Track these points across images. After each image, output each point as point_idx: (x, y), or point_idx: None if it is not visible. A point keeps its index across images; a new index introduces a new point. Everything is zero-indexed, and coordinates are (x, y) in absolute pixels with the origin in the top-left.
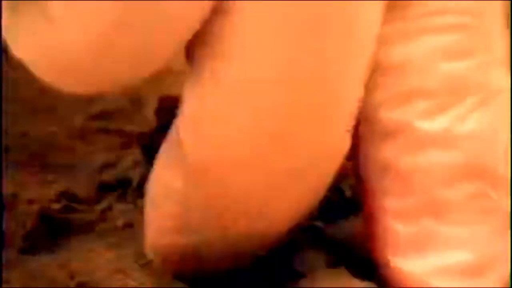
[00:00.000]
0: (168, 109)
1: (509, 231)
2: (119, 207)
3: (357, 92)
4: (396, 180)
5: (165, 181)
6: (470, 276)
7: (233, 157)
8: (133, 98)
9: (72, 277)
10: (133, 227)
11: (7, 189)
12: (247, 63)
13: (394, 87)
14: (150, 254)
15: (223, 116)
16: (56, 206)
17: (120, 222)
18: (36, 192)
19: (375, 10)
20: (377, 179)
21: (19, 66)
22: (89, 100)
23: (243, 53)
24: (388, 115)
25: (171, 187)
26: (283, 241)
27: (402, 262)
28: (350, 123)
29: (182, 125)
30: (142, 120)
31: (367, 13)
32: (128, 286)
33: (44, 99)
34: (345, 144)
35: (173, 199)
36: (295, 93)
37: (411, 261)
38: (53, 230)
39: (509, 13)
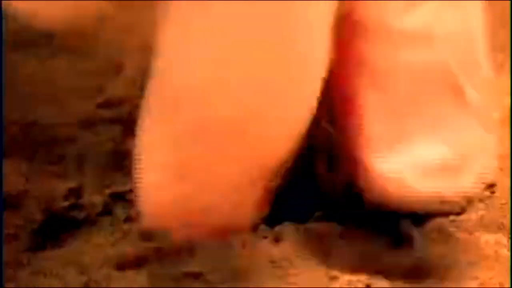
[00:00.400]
0: None
1: (507, 226)
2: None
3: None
4: (372, 77)
5: (154, 131)
6: (449, 173)
7: (215, 79)
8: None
9: (81, 273)
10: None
11: (15, 184)
12: None
13: None
14: (147, 220)
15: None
16: (64, 203)
17: (123, 217)
18: (44, 188)
19: None
20: (353, 76)
21: (23, 55)
22: (97, 88)
23: None
24: (365, 13)
25: (162, 135)
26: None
27: (379, 161)
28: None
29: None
30: None
31: None
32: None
33: (50, 89)
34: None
35: (165, 146)
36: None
37: (388, 160)
38: (61, 227)
39: (509, 13)
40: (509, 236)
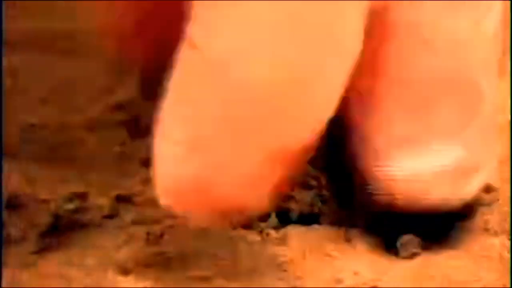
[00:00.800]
0: None
1: (509, 230)
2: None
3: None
4: (394, 78)
5: (176, 105)
6: (461, 175)
7: (252, 50)
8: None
9: (87, 275)
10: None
11: (21, 186)
12: None
13: None
14: (163, 198)
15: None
16: (69, 206)
17: (129, 219)
18: (50, 191)
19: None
20: (373, 76)
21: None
22: (106, 90)
23: None
24: (398, 14)
25: (182, 109)
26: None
27: (396, 163)
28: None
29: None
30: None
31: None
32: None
33: (58, 90)
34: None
35: (185, 122)
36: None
37: (404, 162)
38: (66, 229)
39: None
40: (510, 237)
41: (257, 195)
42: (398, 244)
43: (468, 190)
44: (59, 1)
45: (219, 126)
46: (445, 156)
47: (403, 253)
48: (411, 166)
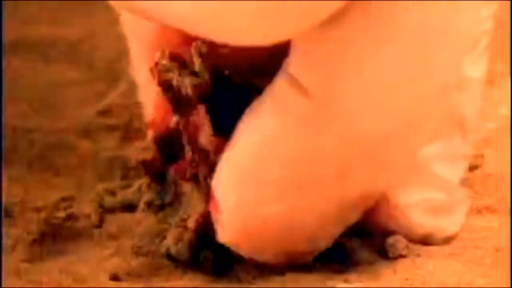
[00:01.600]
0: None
1: (509, 228)
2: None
3: None
4: None
5: (274, 145)
6: (439, 213)
7: (377, 103)
8: None
9: (77, 282)
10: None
11: (13, 194)
12: None
13: None
14: (234, 238)
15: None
16: (60, 214)
17: (114, 229)
18: (41, 199)
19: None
20: None
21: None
22: (97, 95)
23: None
24: None
25: (282, 150)
26: None
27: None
28: None
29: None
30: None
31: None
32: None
33: (50, 96)
34: None
35: (283, 162)
36: None
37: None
38: (57, 237)
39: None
40: (509, 238)
41: (329, 236)
42: (386, 245)
43: (451, 226)
44: (47, 7)
45: (316, 169)
46: (432, 192)
47: (391, 254)
48: (408, 199)
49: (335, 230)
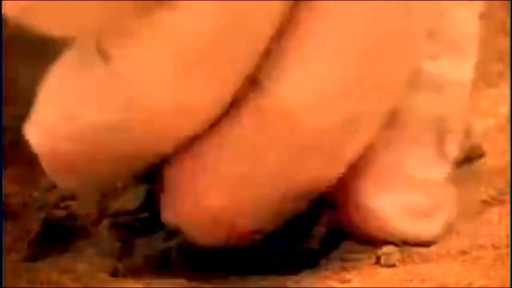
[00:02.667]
0: None
1: (509, 227)
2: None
3: None
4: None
5: (230, 143)
6: (421, 217)
7: (314, 100)
8: None
9: (76, 281)
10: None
11: (13, 194)
12: None
13: None
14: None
15: (306, 61)
16: (60, 213)
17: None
18: (41, 199)
19: None
20: None
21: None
22: None
23: None
24: None
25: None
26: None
27: (372, 199)
28: None
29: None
30: None
31: None
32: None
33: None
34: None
35: (236, 160)
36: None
37: (379, 198)
38: (57, 236)
39: (509, 13)
40: (509, 240)
41: (273, 223)
42: (379, 253)
43: (435, 225)
44: None
45: (265, 167)
46: (411, 196)
47: (383, 262)
48: (384, 203)
49: (279, 218)
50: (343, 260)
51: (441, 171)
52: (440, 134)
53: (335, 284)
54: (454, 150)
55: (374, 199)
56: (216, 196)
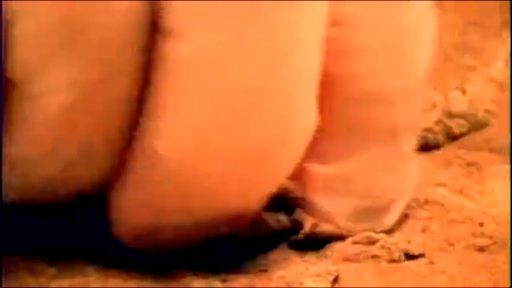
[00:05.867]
0: None
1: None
2: None
3: (315, 63)
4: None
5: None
6: (367, 218)
7: (199, 149)
8: None
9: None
10: None
11: None
12: (198, 42)
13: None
14: (121, 234)
15: (184, 109)
16: None
17: None
18: None
19: None
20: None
21: None
22: None
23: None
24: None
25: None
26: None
27: (320, 201)
28: (312, 97)
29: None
30: None
31: None
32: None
33: None
34: (310, 120)
35: (146, 188)
36: (250, 70)
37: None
38: None
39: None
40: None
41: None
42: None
43: (389, 219)
44: None
45: (167, 202)
46: (362, 195)
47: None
48: (334, 203)
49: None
50: None
51: (397, 176)
52: (396, 139)
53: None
54: (410, 147)
55: (324, 204)
56: (138, 220)
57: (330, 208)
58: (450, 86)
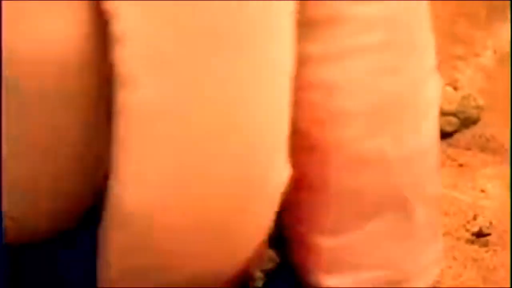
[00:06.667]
0: None
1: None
2: None
3: (285, 113)
4: (331, 197)
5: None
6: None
7: (163, 202)
8: None
9: None
10: None
11: None
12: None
13: (323, 107)
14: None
15: (146, 161)
16: None
17: None
18: None
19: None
20: (312, 196)
21: None
22: None
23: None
24: (319, 135)
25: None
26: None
27: (324, 278)
28: (281, 150)
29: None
30: None
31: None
32: None
33: None
34: (283, 174)
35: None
36: (207, 118)
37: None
38: None
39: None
40: (510, 246)
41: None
42: None
43: None
44: None
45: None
46: (373, 271)
47: None
48: (342, 281)
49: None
50: None
51: (409, 244)
52: (407, 208)
53: None
54: (422, 215)
55: (328, 280)
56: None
57: (343, 282)
58: (442, 82)
